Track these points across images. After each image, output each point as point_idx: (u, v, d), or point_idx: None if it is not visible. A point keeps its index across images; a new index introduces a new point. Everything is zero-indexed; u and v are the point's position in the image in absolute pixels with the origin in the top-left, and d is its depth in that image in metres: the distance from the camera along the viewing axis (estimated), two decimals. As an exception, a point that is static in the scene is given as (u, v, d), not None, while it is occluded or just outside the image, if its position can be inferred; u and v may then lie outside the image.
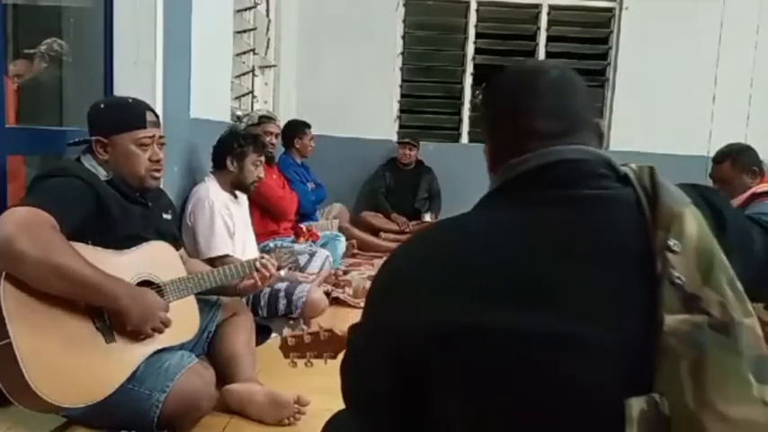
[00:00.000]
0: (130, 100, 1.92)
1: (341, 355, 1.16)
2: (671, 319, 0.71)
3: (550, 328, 0.73)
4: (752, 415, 0.68)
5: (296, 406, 1.90)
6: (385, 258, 0.89)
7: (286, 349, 1.33)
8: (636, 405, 0.69)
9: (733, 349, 0.70)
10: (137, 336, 1.70)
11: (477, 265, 0.77)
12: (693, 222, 0.76)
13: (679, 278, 0.72)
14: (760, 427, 0.68)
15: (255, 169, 2.79)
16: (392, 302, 0.82)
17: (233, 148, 2.76)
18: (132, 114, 1.86)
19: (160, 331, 1.73)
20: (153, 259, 1.84)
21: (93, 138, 1.83)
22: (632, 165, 0.84)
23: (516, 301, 0.74)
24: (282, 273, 2.40)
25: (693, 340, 0.70)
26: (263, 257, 2.15)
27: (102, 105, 1.91)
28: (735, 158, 2.83)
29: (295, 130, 4.45)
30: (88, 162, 1.84)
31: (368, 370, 0.87)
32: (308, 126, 4.50)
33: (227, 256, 2.64)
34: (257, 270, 2.09)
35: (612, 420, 0.69)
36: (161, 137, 1.91)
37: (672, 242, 0.74)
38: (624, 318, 0.74)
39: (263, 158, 2.84)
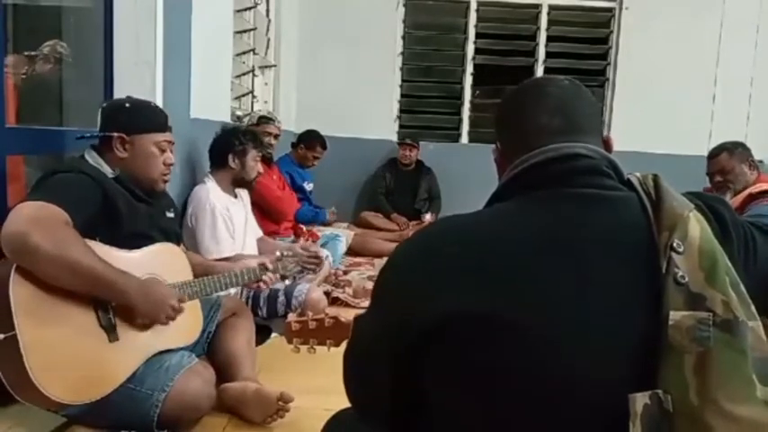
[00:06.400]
0: (153, 104, 2.00)
1: (344, 343, 1.16)
2: (676, 315, 0.72)
3: (555, 322, 0.73)
4: (757, 416, 0.68)
5: (279, 403, 1.87)
6: (386, 258, 0.90)
7: (290, 334, 1.32)
8: (639, 400, 0.70)
9: (737, 347, 0.70)
10: (144, 329, 1.72)
11: (484, 258, 0.78)
12: (697, 225, 0.77)
13: (683, 277, 0.73)
14: (765, 428, 0.68)
15: (256, 165, 2.87)
16: (398, 293, 0.83)
17: (234, 146, 2.80)
18: (158, 117, 1.94)
19: (166, 322, 1.74)
20: (160, 261, 1.85)
21: (115, 134, 1.84)
22: (637, 173, 0.85)
23: (521, 294, 0.75)
24: (288, 282, 2.46)
25: (698, 335, 0.71)
26: (264, 264, 2.21)
27: (127, 104, 1.93)
28: (730, 150, 2.86)
29: (306, 137, 4.59)
30: (93, 159, 1.84)
31: (373, 362, 0.88)
32: (322, 144, 4.57)
33: (227, 258, 2.65)
34: (260, 281, 2.19)
35: (616, 415, 0.70)
36: (173, 143, 1.98)
37: (676, 242, 0.75)
38: (629, 314, 0.75)
39: (261, 154, 2.92)
